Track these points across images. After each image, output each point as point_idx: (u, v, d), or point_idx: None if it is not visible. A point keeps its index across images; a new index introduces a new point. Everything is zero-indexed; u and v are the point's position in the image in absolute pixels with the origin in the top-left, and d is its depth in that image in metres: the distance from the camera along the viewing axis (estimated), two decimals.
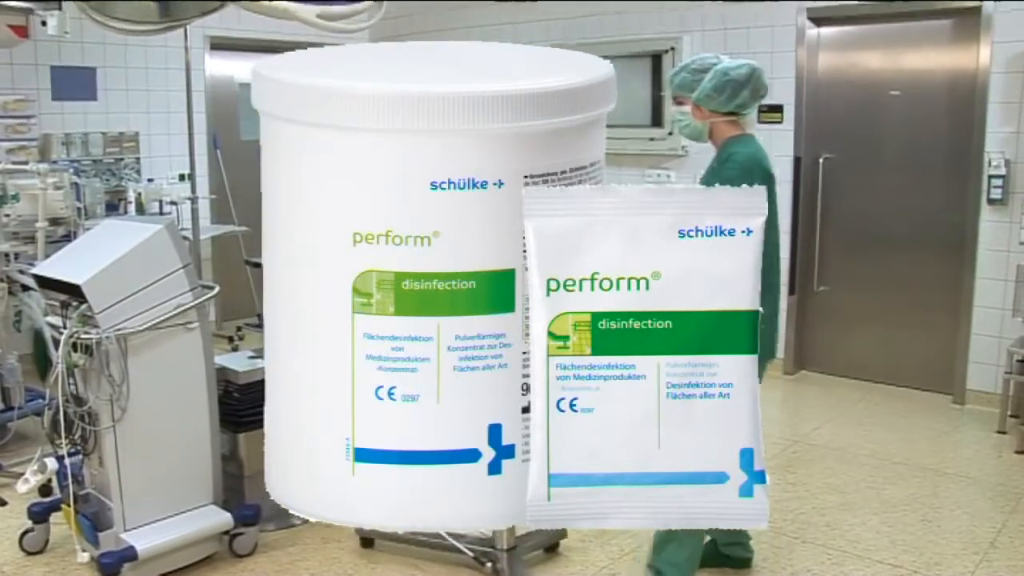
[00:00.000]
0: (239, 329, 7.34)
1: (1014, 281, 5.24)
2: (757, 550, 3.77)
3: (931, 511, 4.13)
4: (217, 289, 3.64)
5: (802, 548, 3.82)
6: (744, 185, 0.73)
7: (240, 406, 3.82)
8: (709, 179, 3.29)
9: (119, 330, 3.23)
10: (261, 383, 3.32)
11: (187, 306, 3.41)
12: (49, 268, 3.45)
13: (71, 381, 3.29)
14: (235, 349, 6.70)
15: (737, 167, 3.18)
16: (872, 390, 6.01)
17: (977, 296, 5.57)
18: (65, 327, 3.24)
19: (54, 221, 4.93)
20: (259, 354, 4.11)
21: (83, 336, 3.19)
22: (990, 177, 5.41)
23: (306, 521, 3.94)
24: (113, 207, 6.70)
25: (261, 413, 2.98)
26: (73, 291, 3.23)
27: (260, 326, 5.92)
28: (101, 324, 3.20)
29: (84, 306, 3.20)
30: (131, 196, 6.77)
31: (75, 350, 3.22)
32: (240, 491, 3.83)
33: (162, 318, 3.34)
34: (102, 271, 3.23)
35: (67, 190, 6.12)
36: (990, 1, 5.35)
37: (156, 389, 3.38)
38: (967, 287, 5.62)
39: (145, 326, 3.29)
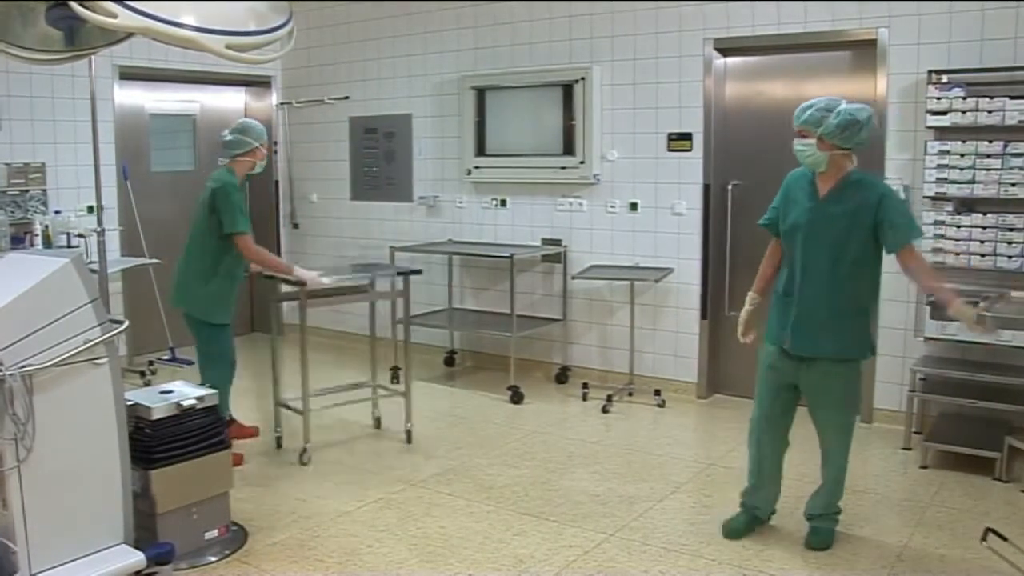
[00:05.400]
0: (151, 363, 7.19)
1: (915, 303, 5.44)
2: (673, 573, 3.83)
3: (841, 528, 4.22)
4: (126, 324, 3.57)
5: (718, 569, 3.88)
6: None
7: (152, 442, 3.74)
8: (866, 203, 3.79)
9: (24, 367, 3.15)
10: (173, 419, 3.31)
11: (95, 341, 3.34)
12: None
13: None
14: (147, 384, 6.56)
15: (893, 192, 3.89)
16: None
17: (882, 318, 5.74)
18: None
19: None
20: (171, 389, 4.04)
21: None
22: None
23: (223, 557, 3.89)
24: (19, 240, 6.53)
25: (173, 449, 3.00)
26: None
27: (173, 360, 5.80)
28: (5, 361, 3.11)
29: None
30: (37, 229, 6.60)
31: None
32: (153, 530, 3.75)
33: (69, 354, 3.26)
34: (6, 306, 3.15)
35: None
36: (884, 30, 5.57)
37: (63, 427, 3.29)
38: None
39: (51, 363, 3.21)
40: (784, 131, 6.12)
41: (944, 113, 5.24)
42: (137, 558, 3.44)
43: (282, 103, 8.64)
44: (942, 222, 5.31)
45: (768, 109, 6.25)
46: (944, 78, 5.25)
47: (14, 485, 3.19)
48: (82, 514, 3.38)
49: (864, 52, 5.74)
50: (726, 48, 6.28)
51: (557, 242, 7.01)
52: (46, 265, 3.32)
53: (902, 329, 5.63)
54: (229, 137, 5.20)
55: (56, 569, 3.29)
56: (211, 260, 5.11)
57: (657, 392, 6.43)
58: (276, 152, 8.64)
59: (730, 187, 6.37)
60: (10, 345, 3.13)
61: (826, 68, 6.02)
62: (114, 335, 3.43)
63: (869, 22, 5.64)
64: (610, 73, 6.68)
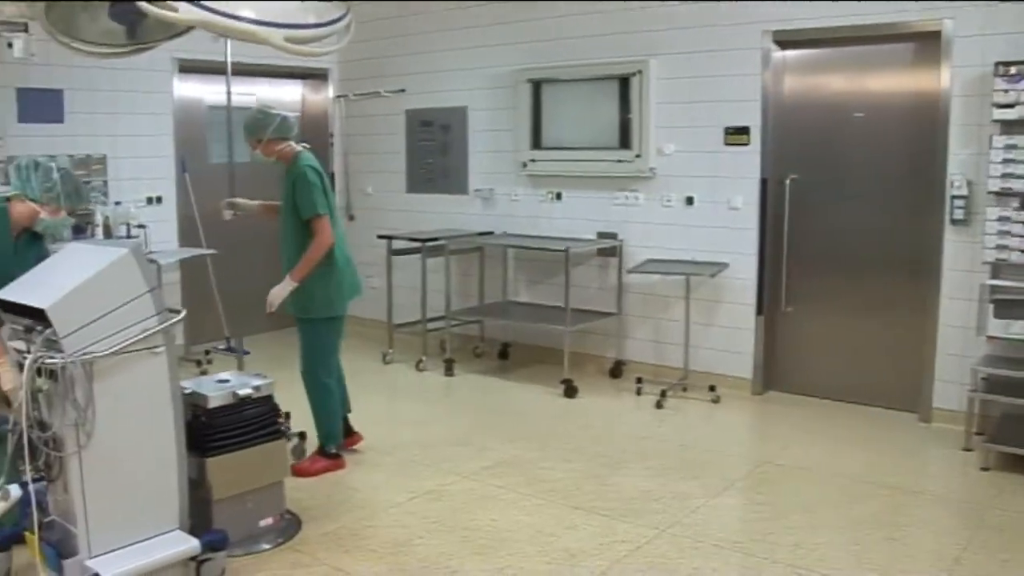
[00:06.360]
0: (207, 353, 7.28)
1: (977, 300, 5.31)
2: (725, 570, 3.80)
3: (897, 529, 4.15)
4: (184, 313, 3.61)
5: (771, 568, 3.83)
6: None
7: (208, 430, 3.79)
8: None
9: (84, 355, 3.20)
10: (229, 407, 3.35)
11: (153, 330, 3.38)
12: (13, 292, 3.41)
13: (35, 406, 3.25)
14: (203, 373, 6.65)
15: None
16: (839, 409, 6.06)
17: (942, 316, 5.63)
18: (29, 352, 3.20)
19: None
20: (228, 378, 4.09)
21: (48, 361, 3.16)
22: (953, 198, 5.49)
23: (276, 545, 3.93)
24: (80, 230, 6.65)
25: (229, 438, 3.04)
26: (37, 315, 3.20)
27: (229, 350, 5.84)
28: (66, 348, 3.17)
29: (49, 330, 3.17)
30: (98, 219, 6.72)
31: (39, 375, 3.19)
32: (207, 517, 3.79)
33: (128, 342, 3.31)
34: (67, 295, 3.20)
35: None
36: (949, 21, 5.45)
37: (122, 414, 3.34)
38: (932, 307, 5.68)
39: (110, 350, 3.26)
40: (844, 125, 6.10)
41: (1011, 106, 5.11)
42: (192, 544, 3.49)
43: (339, 96, 8.70)
44: (1007, 218, 5.19)
45: (828, 103, 6.15)
46: (1012, 70, 5.12)
47: (75, 470, 3.25)
48: (139, 499, 3.43)
49: (927, 44, 5.62)
50: (785, 41, 6.19)
51: (612, 235, 6.97)
52: (106, 255, 3.38)
53: (964, 327, 5.51)
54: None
55: (113, 553, 3.35)
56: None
57: (711, 388, 6.37)
58: (332, 144, 8.70)
59: (788, 181, 6.27)
60: (72, 333, 3.18)
61: (888, 61, 5.91)
62: (171, 324, 3.48)
63: (933, 13, 5.52)
64: (666, 66, 6.62)
